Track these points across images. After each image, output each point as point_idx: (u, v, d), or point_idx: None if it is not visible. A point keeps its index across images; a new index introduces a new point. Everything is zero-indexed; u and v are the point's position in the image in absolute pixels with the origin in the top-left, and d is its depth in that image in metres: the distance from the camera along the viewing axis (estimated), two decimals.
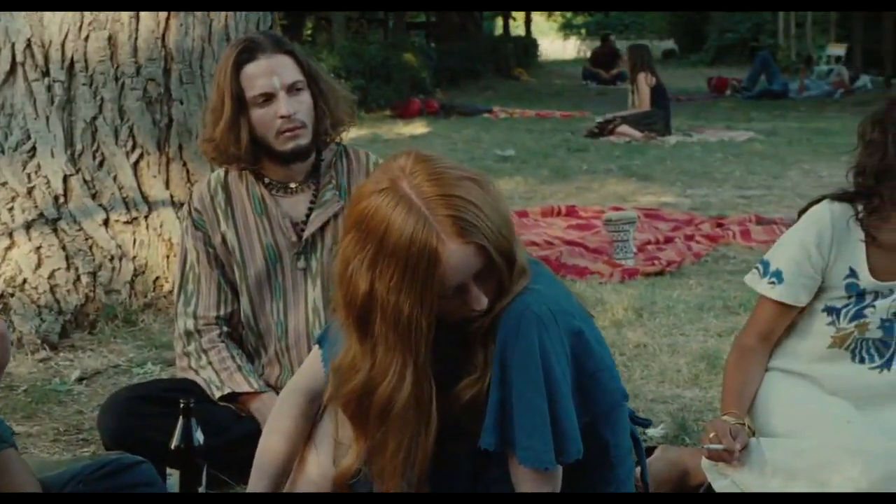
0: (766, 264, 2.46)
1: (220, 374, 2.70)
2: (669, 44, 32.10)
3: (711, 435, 2.31)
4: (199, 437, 2.22)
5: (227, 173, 2.75)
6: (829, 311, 2.42)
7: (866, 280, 2.37)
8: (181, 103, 4.24)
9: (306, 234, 2.69)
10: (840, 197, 2.40)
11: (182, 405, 2.19)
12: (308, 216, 2.70)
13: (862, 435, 2.28)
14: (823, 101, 15.43)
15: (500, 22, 30.18)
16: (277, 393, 2.69)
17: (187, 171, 4.26)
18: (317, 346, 2.17)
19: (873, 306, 2.38)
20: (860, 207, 2.35)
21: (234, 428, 2.66)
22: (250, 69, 2.61)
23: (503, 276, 1.84)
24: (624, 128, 10.75)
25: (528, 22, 29.56)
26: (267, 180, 2.72)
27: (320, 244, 2.70)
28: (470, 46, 20.79)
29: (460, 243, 1.77)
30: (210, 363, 2.71)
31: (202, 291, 2.74)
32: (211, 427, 2.35)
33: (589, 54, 25.19)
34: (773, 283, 2.43)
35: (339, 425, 2.00)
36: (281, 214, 2.70)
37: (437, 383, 1.89)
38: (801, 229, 2.42)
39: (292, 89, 2.62)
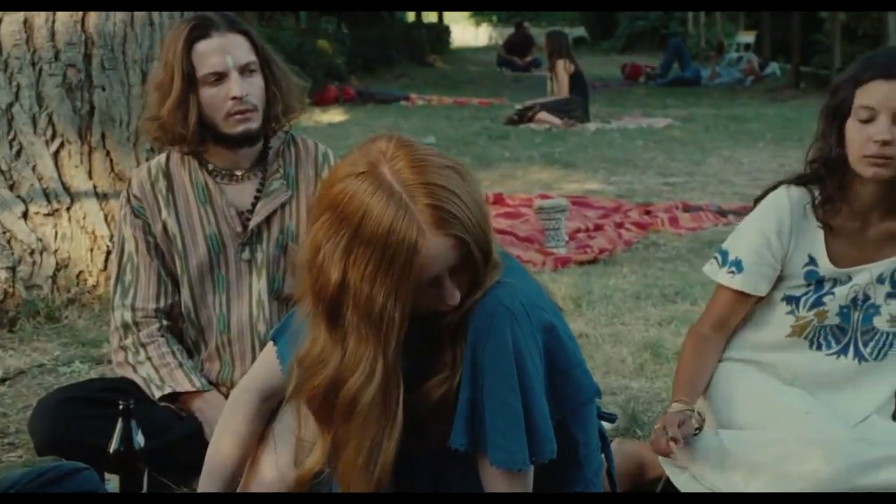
0: (724, 253, 2.44)
1: (159, 370, 2.59)
2: (580, 31, 32.32)
3: (657, 426, 2.27)
4: (139, 439, 2.11)
5: (168, 159, 2.63)
6: (789, 299, 2.40)
7: (825, 267, 2.36)
8: (103, 90, 4.08)
9: (252, 224, 2.59)
10: (797, 182, 2.38)
11: (121, 406, 2.08)
12: (254, 206, 2.60)
13: (822, 426, 2.27)
14: (734, 88, 15.68)
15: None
16: (219, 390, 2.60)
17: (111, 161, 4.10)
18: (271, 342, 2.08)
19: (832, 293, 2.37)
20: (816, 194, 2.33)
21: (176, 428, 2.55)
22: (203, 46, 2.49)
23: (478, 271, 1.76)
24: (543, 115, 10.76)
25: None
26: (211, 167, 2.60)
27: (266, 235, 2.60)
28: (384, 33, 20.65)
29: (440, 235, 1.69)
30: (149, 358, 2.60)
31: (141, 282, 2.62)
32: (151, 428, 2.23)
33: (501, 41, 25.25)
34: (732, 272, 2.40)
35: (302, 422, 1.90)
36: (226, 203, 2.59)
37: (404, 381, 1.81)
38: (760, 217, 2.40)
39: (245, 70, 2.51)
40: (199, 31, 2.50)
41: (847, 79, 2.29)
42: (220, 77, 2.50)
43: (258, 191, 2.60)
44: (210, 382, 2.62)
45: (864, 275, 2.35)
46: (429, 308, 1.78)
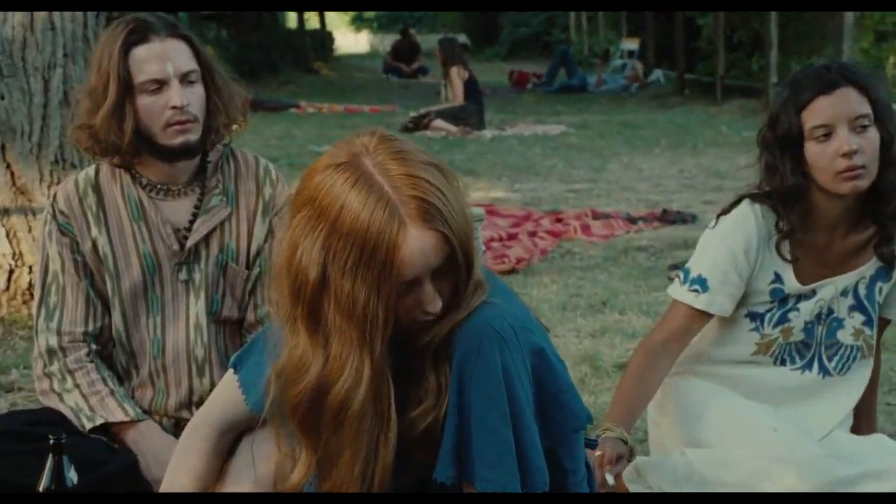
0: (687, 272, 2.37)
1: (89, 399, 2.41)
2: (462, 38, 32.40)
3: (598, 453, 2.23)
4: (72, 476, 1.94)
5: (97, 172, 2.45)
6: (753, 316, 2.36)
7: (791, 285, 2.32)
8: (2, 98, 3.86)
9: (189, 242, 2.43)
10: (760, 198, 2.33)
11: (52, 441, 1.90)
12: (192, 223, 2.44)
13: (792, 443, 2.23)
14: (621, 95, 15.90)
15: (293, 13, 29.71)
16: (155, 420, 2.44)
17: (12, 174, 3.88)
18: (231, 370, 1.94)
19: (797, 309, 2.34)
20: (780, 224, 2.28)
21: (110, 462, 2.37)
22: (141, 52, 2.33)
23: (461, 280, 1.66)
24: (439, 122, 10.72)
25: (321, 14, 29.22)
26: (145, 181, 2.43)
27: (205, 254, 2.44)
28: (267, 38, 20.33)
29: (424, 228, 1.59)
30: (77, 386, 2.41)
31: (67, 304, 2.43)
32: (82, 462, 2.06)
33: (382, 48, 25.16)
34: (696, 290, 2.34)
35: (279, 437, 1.77)
36: (161, 220, 2.42)
37: None
38: (727, 235, 2.33)
39: (186, 79, 2.35)
40: (137, 36, 2.34)
41: (783, 106, 2.25)
42: (159, 85, 2.34)
43: (196, 207, 2.45)
44: (144, 412, 2.46)
45: (828, 289, 2.33)
46: (408, 318, 1.66)
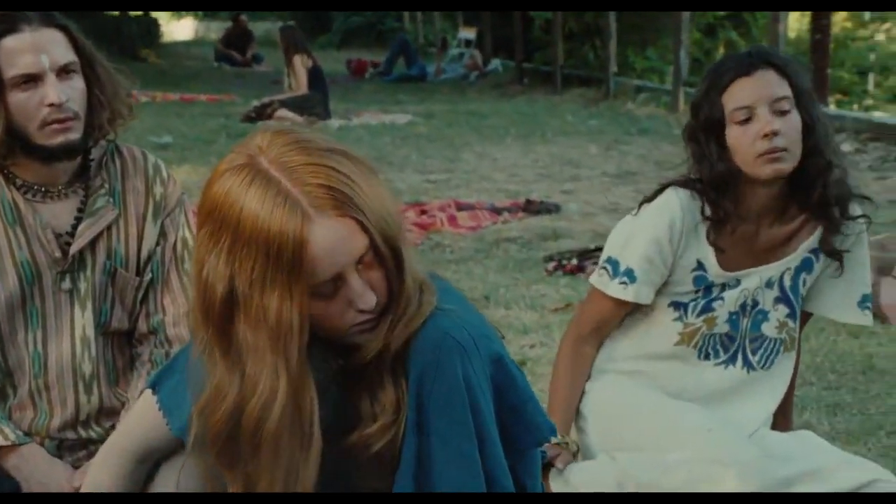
0: (615, 264, 2.30)
1: None
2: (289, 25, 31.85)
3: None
4: None
5: None
6: (676, 305, 2.30)
7: (714, 272, 2.27)
8: None
9: (73, 248, 2.19)
10: (685, 184, 2.28)
11: None
12: (75, 227, 2.20)
13: (729, 444, 2.18)
14: (461, 84, 15.93)
15: None
16: (37, 442, 2.21)
17: None
18: (149, 391, 1.75)
19: (721, 298, 2.29)
20: (706, 210, 2.23)
21: None
22: (11, 43, 2.07)
23: (390, 271, 1.51)
24: (283, 112, 10.44)
25: None
26: (20, 182, 2.19)
27: (90, 261, 2.22)
28: (93, 25, 19.45)
29: (332, 217, 1.45)
30: None
31: None
32: None
33: (208, 35, 24.51)
34: (625, 283, 2.27)
35: (207, 478, 1.60)
36: (40, 225, 2.18)
37: (335, 426, 1.55)
38: (651, 222, 2.27)
39: (64, 72, 2.11)
40: (5, 25, 2.09)
41: (705, 93, 2.23)
42: (32, 80, 2.09)
43: (80, 210, 2.21)
44: (24, 433, 2.22)
45: (753, 279, 2.29)
46: (345, 323, 1.52)
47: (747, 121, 2.17)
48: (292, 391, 1.49)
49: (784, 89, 2.18)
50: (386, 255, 1.49)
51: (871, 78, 21.64)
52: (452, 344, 1.52)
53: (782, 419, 2.44)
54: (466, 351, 1.53)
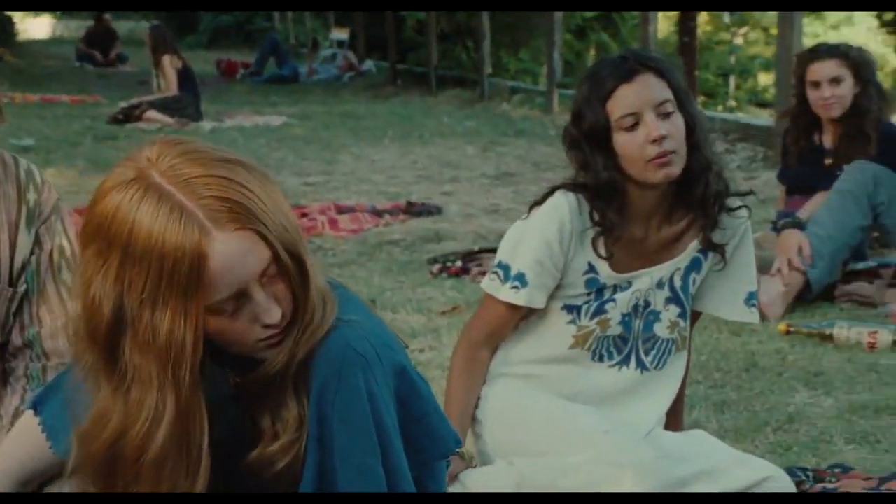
0: (506, 268, 2.27)
1: None
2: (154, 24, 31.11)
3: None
4: None
5: None
6: (569, 308, 2.30)
7: (606, 274, 2.27)
8: None
9: None
10: (574, 188, 2.27)
11: None
12: None
13: (626, 445, 2.18)
14: (334, 85, 15.78)
15: None
16: None
17: None
18: (30, 411, 1.66)
19: (613, 300, 2.29)
20: (595, 217, 2.23)
21: None
22: None
23: (296, 284, 1.45)
24: (152, 113, 10.18)
25: None
26: None
27: None
28: None
29: (232, 231, 1.38)
30: None
31: None
32: None
33: (68, 33, 23.77)
34: (516, 287, 2.26)
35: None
36: None
37: (235, 445, 1.49)
38: (541, 225, 2.26)
39: None
40: None
41: (586, 101, 2.22)
42: None
43: None
44: None
45: (644, 280, 2.29)
46: (250, 340, 1.45)
47: (634, 126, 2.17)
48: (179, 415, 1.42)
49: (666, 92, 2.19)
50: (289, 266, 1.43)
51: (732, 80, 22.32)
52: (354, 356, 1.47)
53: (674, 419, 2.46)
54: (369, 363, 1.48)
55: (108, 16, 20.82)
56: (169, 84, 10.48)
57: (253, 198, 1.40)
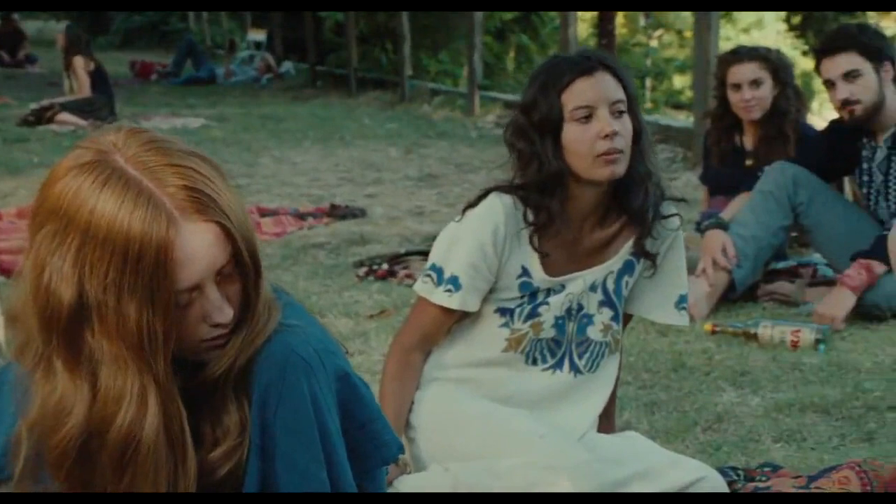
0: (439, 271, 2.26)
1: None
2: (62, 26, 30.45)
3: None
4: None
5: None
6: (503, 311, 2.29)
7: (540, 278, 2.27)
8: None
9: None
10: (508, 190, 2.26)
11: None
12: None
13: (561, 449, 2.17)
14: (252, 87, 15.62)
15: None
16: None
17: None
18: None
19: (547, 304, 2.28)
20: (529, 216, 2.22)
21: None
22: None
23: (249, 284, 1.44)
24: (64, 115, 9.97)
25: None
26: None
27: None
28: None
29: (199, 222, 1.37)
30: None
31: None
32: None
33: None
34: (450, 290, 2.25)
35: None
36: None
37: None
38: (474, 228, 2.25)
39: None
40: None
41: (541, 90, 2.21)
42: None
43: None
44: None
45: (577, 283, 2.29)
46: (195, 338, 1.43)
47: (587, 119, 2.17)
48: (163, 403, 1.39)
49: (620, 93, 2.20)
50: (248, 265, 1.42)
51: (648, 82, 22.63)
52: (298, 361, 1.45)
53: (606, 421, 2.46)
54: (312, 368, 1.46)
55: (16, 16, 20.32)
56: (81, 86, 10.27)
57: (218, 191, 1.39)
